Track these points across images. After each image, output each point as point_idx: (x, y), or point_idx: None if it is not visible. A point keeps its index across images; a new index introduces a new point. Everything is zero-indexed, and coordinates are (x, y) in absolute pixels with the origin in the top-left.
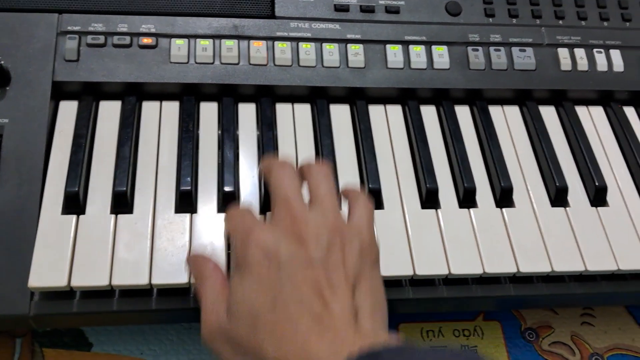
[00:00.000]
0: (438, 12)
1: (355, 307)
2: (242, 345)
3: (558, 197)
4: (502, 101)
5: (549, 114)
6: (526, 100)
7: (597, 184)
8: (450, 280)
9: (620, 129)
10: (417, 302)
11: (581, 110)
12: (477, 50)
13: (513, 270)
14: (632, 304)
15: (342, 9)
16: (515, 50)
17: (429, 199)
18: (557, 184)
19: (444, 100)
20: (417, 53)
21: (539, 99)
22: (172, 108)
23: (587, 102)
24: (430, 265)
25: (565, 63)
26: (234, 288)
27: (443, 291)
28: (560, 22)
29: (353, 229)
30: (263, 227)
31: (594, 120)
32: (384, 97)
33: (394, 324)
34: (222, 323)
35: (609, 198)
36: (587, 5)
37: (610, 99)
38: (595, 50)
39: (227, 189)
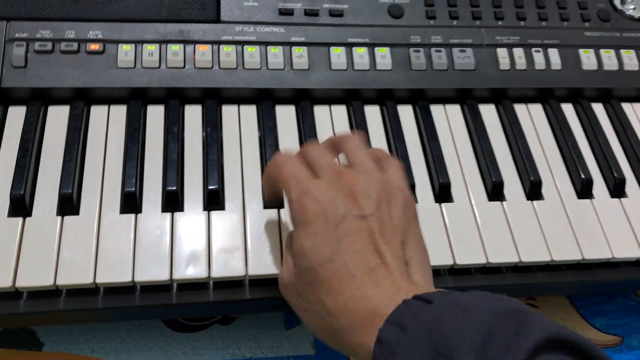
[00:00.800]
0: (381, 15)
1: (405, 259)
2: (307, 299)
3: (494, 191)
4: (443, 100)
5: (488, 112)
6: (467, 99)
7: (532, 178)
8: None
9: (557, 124)
10: None
11: (520, 108)
12: (419, 51)
13: (450, 262)
14: (571, 294)
15: (287, 12)
16: (455, 50)
17: None
18: (493, 179)
19: (387, 100)
20: (360, 55)
21: (479, 97)
22: (119, 112)
23: (526, 100)
24: None
25: (504, 62)
26: (295, 243)
27: None
28: (500, 22)
29: (394, 185)
30: (319, 184)
31: (532, 117)
32: (329, 98)
33: None
34: (290, 278)
35: (544, 192)
36: (527, 6)
37: (548, 96)
38: (533, 49)
39: (170, 188)
